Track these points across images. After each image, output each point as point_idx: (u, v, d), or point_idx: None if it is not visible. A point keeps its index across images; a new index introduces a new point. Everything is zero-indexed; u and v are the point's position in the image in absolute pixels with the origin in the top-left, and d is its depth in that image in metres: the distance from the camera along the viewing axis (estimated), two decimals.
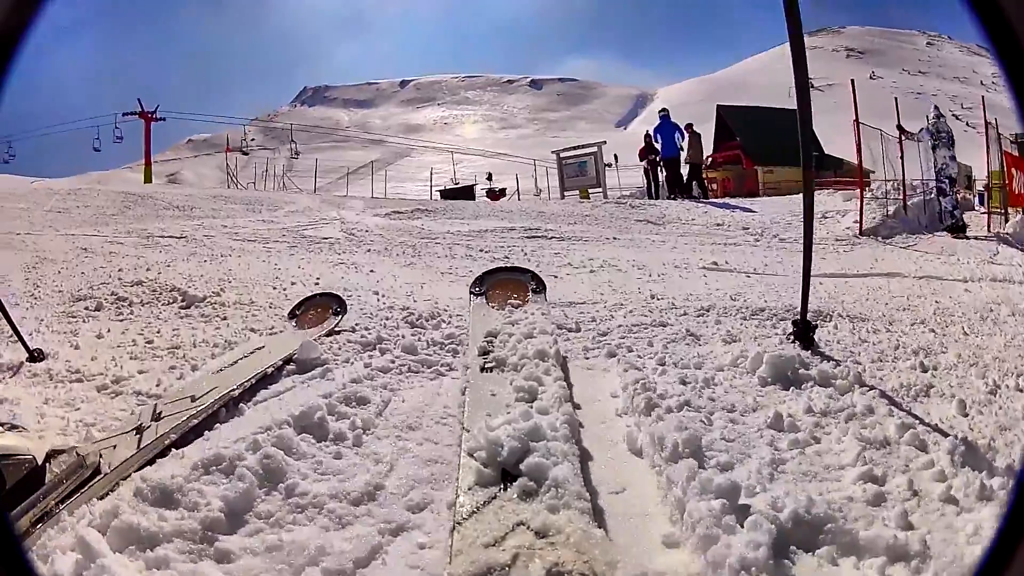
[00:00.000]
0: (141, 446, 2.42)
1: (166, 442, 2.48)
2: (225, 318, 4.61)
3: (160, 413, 2.67)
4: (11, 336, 3.88)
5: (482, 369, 2.77)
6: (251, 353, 3.51)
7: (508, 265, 4.53)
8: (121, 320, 4.66)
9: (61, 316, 4.78)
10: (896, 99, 12.43)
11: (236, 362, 3.39)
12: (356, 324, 4.16)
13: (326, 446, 2.50)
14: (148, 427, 2.55)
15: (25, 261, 6.83)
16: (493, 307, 3.63)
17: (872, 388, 2.82)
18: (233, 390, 2.96)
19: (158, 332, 4.28)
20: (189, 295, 5.08)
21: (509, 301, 3.66)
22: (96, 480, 2.20)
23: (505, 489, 1.83)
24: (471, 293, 3.83)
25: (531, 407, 2.30)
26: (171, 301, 5.07)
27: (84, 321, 4.65)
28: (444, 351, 3.61)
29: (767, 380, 2.90)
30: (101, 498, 2.10)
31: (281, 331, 4.17)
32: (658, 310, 4.43)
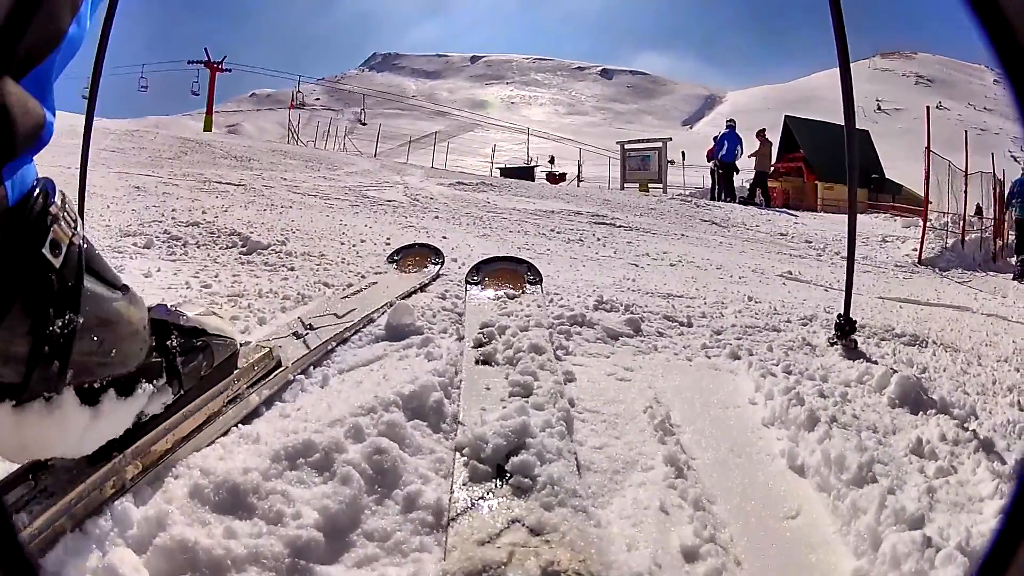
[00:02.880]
0: (311, 348, 2.36)
1: (330, 347, 2.47)
2: (293, 269, 4.00)
3: (311, 324, 2.60)
4: None
5: (477, 362, 2.54)
6: (366, 288, 3.42)
7: (505, 255, 4.37)
8: (173, 260, 4.07)
9: (106, 251, 4.20)
10: (966, 132, 12.97)
11: (358, 292, 3.33)
12: (445, 291, 3.53)
13: (446, 438, 1.87)
14: (306, 334, 2.46)
15: (72, 196, 6.44)
16: (488, 297, 3.44)
17: (982, 422, 2.68)
18: (374, 312, 2.93)
19: (216, 277, 3.66)
20: (251, 241, 4.50)
21: (505, 292, 3.49)
22: (278, 371, 2.08)
23: (500, 485, 1.65)
24: (467, 282, 3.61)
25: (526, 402, 2.09)
26: (230, 245, 4.49)
27: (131, 258, 4.06)
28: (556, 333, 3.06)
29: (895, 401, 2.71)
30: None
31: (384, 272, 3.95)
32: (763, 314, 4.03)
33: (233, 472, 1.46)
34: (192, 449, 1.59)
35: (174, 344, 1.58)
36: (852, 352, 3.31)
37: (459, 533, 1.49)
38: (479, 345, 2.72)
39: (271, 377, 2.04)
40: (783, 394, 2.54)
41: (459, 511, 1.56)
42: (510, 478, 1.68)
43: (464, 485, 1.67)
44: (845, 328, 3.38)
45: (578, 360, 2.75)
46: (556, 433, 1.90)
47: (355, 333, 2.71)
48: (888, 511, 1.76)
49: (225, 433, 1.72)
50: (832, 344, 3.39)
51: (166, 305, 1.66)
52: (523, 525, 1.52)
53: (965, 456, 2.27)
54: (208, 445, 1.64)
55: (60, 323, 1.18)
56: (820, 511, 1.92)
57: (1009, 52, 0.85)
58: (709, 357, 3.09)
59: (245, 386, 1.90)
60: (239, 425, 1.78)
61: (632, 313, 3.44)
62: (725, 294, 4.73)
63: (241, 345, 1.97)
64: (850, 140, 3.53)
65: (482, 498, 1.62)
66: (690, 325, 3.52)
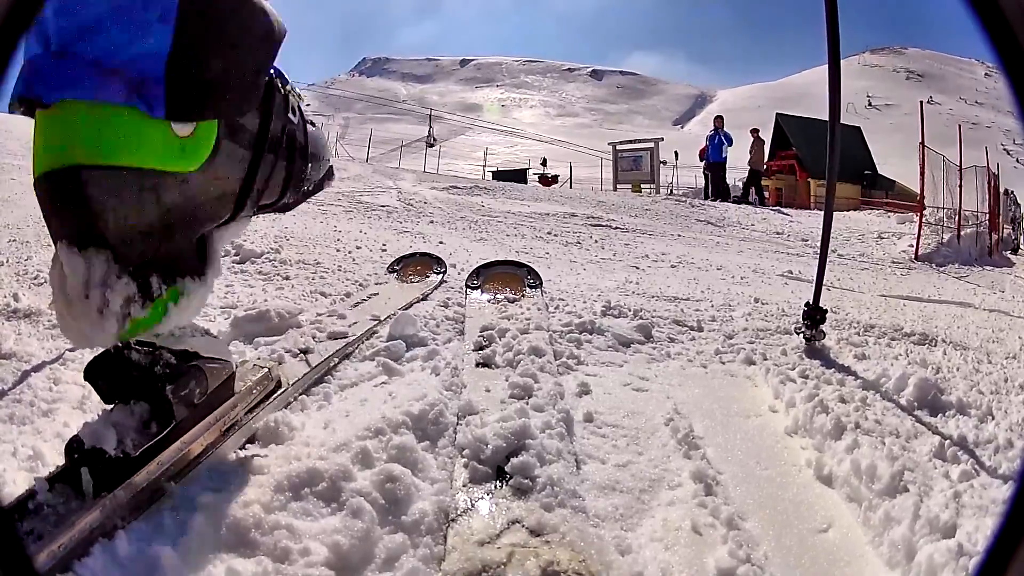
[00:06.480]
0: (312, 365, 2.27)
1: (331, 364, 2.35)
2: (288, 278, 3.86)
3: (314, 336, 2.56)
4: (35, 278, 3.20)
5: (477, 364, 2.54)
6: (368, 299, 3.36)
7: (504, 259, 4.32)
8: None
9: None
10: (960, 126, 13.07)
11: (358, 304, 3.23)
12: (448, 299, 3.42)
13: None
14: (306, 349, 2.41)
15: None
16: (488, 301, 3.41)
17: (999, 421, 2.57)
18: (376, 324, 2.83)
19: None
20: (244, 249, 4.35)
21: (505, 295, 3.48)
22: (279, 393, 1.96)
23: (500, 487, 1.63)
24: (467, 287, 3.60)
25: (526, 404, 2.08)
26: (222, 254, 4.34)
27: None
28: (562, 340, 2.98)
29: (914, 404, 2.63)
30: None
31: (385, 282, 3.84)
32: (772, 316, 3.89)
33: (233, 506, 1.34)
34: (188, 483, 1.47)
35: (162, 370, 1.46)
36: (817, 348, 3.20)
37: (459, 534, 1.45)
38: (479, 348, 2.69)
39: (271, 399, 1.92)
40: (806, 401, 2.47)
41: (459, 512, 1.53)
42: (510, 479, 1.65)
43: (464, 486, 1.64)
44: (815, 317, 3.24)
45: (591, 370, 2.64)
46: (556, 435, 1.87)
47: (357, 347, 2.60)
48: (922, 521, 1.72)
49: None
50: (798, 333, 3.24)
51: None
52: (523, 526, 1.50)
53: (986, 457, 2.22)
54: (205, 478, 1.52)
55: None
56: (851, 523, 1.86)
57: (1009, 52, 0.85)
58: (724, 363, 3.01)
59: (243, 411, 1.77)
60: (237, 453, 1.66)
61: (641, 319, 3.34)
62: (730, 296, 4.65)
63: (237, 365, 1.84)
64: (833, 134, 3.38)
65: (482, 499, 1.59)
66: (701, 330, 3.43)
